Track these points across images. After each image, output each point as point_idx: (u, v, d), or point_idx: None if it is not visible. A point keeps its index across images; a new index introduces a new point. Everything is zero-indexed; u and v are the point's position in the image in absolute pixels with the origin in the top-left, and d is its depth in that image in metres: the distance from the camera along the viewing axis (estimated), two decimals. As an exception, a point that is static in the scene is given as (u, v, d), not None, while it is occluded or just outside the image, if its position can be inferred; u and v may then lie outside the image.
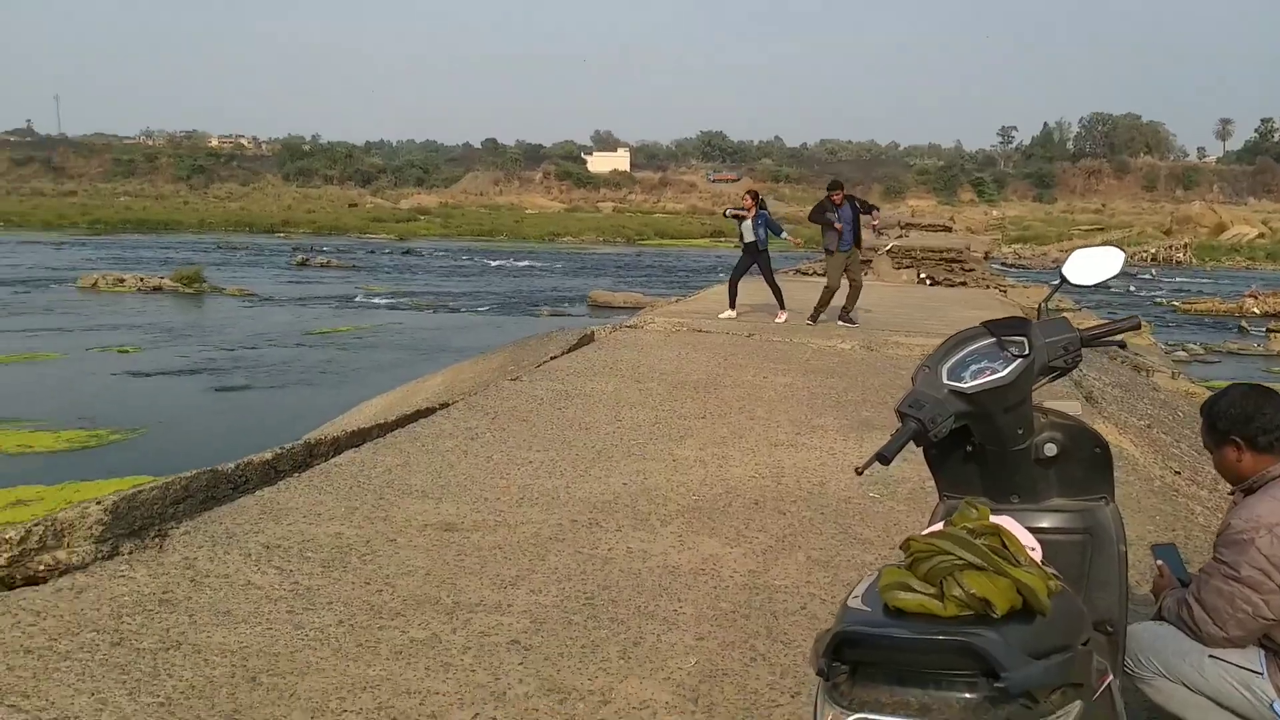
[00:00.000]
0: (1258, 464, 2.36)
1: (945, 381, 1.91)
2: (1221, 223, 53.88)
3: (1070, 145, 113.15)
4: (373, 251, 43.83)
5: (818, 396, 7.13)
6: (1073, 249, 2.35)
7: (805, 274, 19.64)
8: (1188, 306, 25.17)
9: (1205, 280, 35.29)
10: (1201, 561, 2.45)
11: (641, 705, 2.69)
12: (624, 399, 6.83)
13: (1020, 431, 1.94)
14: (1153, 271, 38.13)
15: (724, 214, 12.29)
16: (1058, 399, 2.12)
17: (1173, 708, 2.40)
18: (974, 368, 1.93)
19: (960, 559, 1.45)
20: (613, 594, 3.43)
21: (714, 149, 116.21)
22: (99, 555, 3.88)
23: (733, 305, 11.57)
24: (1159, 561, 2.64)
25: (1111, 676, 1.65)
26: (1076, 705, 1.43)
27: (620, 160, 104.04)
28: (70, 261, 33.43)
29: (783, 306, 11.43)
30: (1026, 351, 1.91)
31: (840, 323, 11.24)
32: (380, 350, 17.04)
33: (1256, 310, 23.27)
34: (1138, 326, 2.24)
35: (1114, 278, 2.23)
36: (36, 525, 3.88)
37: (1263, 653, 2.31)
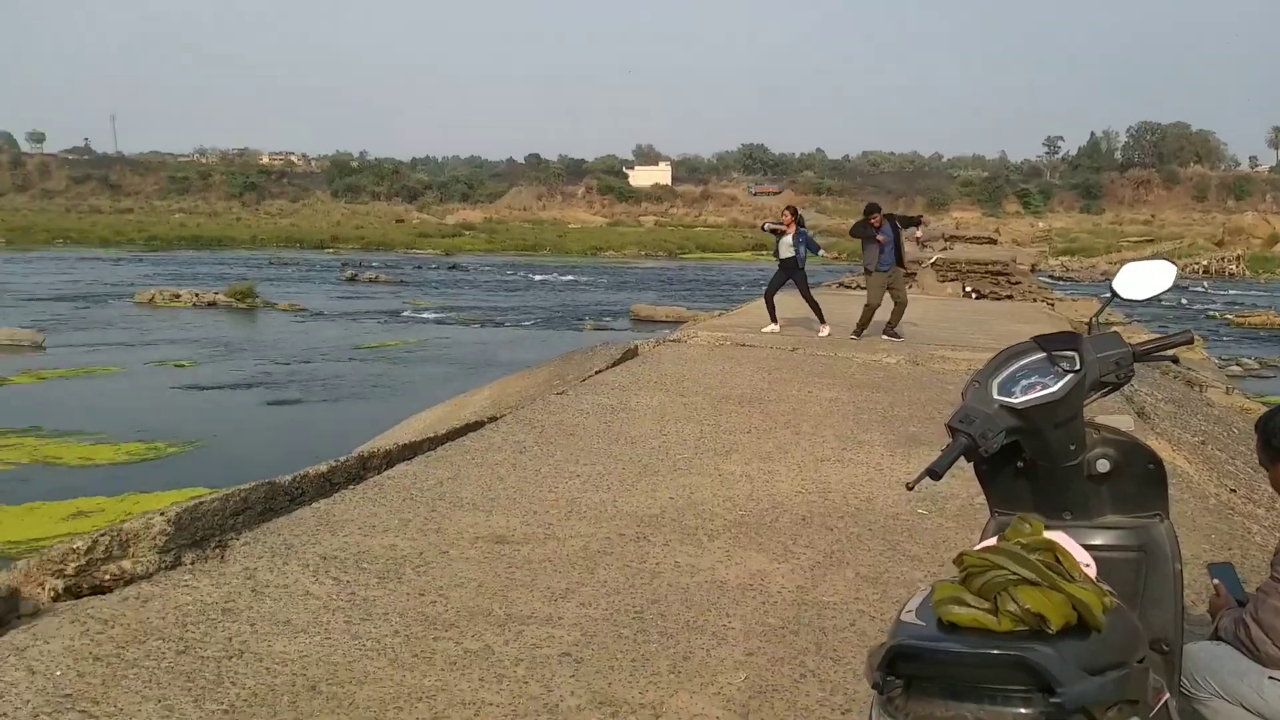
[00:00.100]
0: (1315, 481, 2.33)
1: (996, 397, 1.91)
2: (1275, 234, 52.69)
3: (1118, 155, 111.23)
4: (419, 266, 44.37)
5: (864, 411, 7.11)
6: (1122, 261, 2.36)
7: (848, 287, 19.54)
8: (1241, 320, 24.66)
9: (1259, 293, 34.53)
10: (1259, 580, 2.42)
11: (692, 719, 2.72)
12: (669, 413, 6.86)
13: (1072, 447, 1.94)
14: (1205, 284, 37.39)
15: (762, 228, 12.31)
16: (1109, 414, 2.11)
17: (1230, 729, 2.37)
18: (1024, 383, 1.93)
19: (1015, 574, 1.47)
20: (662, 608, 3.47)
21: (755, 162, 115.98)
22: (162, 565, 4.01)
23: (774, 319, 11.58)
24: (1215, 581, 2.61)
25: (1168, 694, 1.65)
26: None
27: (662, 174, 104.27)
28: (127, 277, 34.27)
29: (823, 321, 11.41)
30: (1078, 367, 1.91)
31: (885, 337, 11.19)
32: (428, 364, 17.25)
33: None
34: (1190, 341, 2.23)
35: (1166, 292, 2.22)
36: (103, 536, 4.01)
37: (1323, 673, 2.28)
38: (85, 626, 3.13)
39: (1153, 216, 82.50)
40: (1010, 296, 19.34)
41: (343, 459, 5.39)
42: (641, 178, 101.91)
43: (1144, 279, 2.20)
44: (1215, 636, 2.48)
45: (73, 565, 3.93)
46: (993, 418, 1.85)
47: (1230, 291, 34.70)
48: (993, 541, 1.69)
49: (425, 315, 25.17)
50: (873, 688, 1.46)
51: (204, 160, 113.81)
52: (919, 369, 9.22)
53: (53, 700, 2.67)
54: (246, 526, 4.32)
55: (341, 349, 18.72)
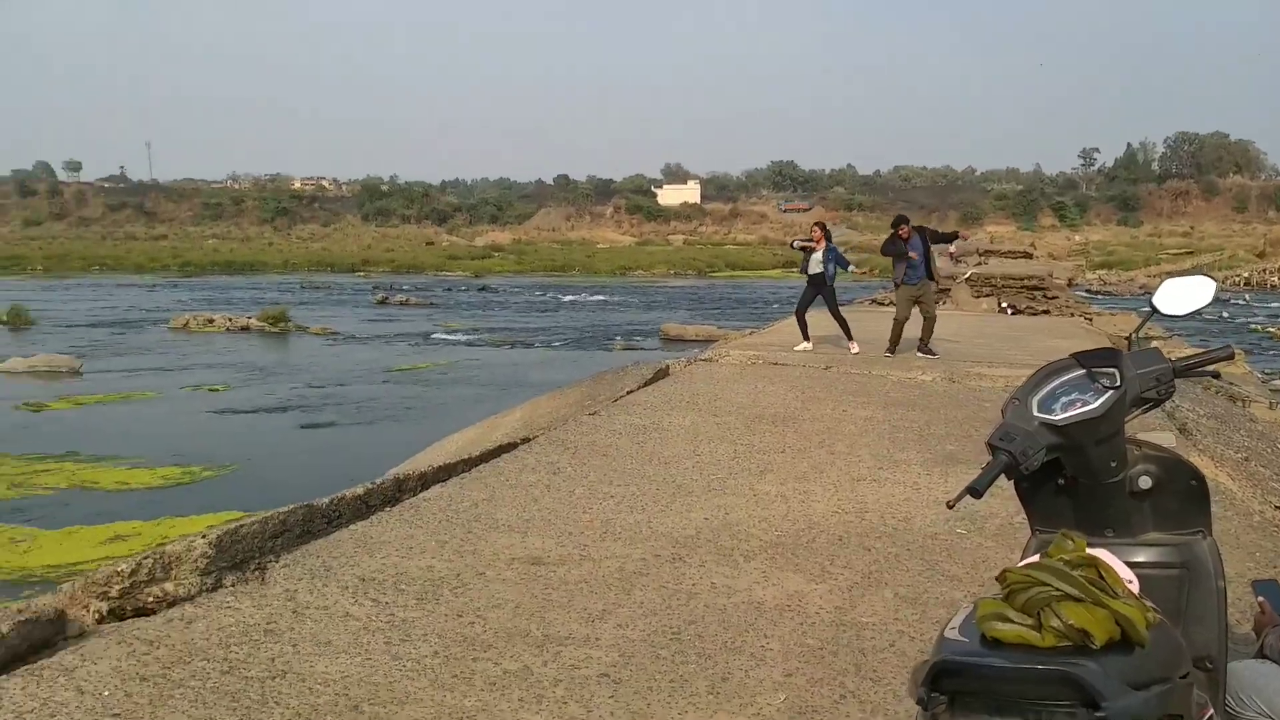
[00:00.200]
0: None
1: (1036, 414, 1.91)
2: (1319, 244, 51.80)
3: (1155, 166, 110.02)
4: (449, 289, 44.72)
5: (899, 430, 7.07)
6: (1161, 274, 2.35)
7: (881, 304, 19.47)
8: (1284, 332, 24.24)
9: (1303, 305, 33.94)
10: (1307, 598, 2.38)
11: (732, 739, 2.71)
12: (702, 433, 6.86)
13: (1113, 464, 1.93)
14: (1246, 297, 36.79)
15: (791, 245, 12.26)
16: (1151, 431, 2.10)
17: (1279, 748, 2.33)
18: (1064, 400, 1.93)
19: (1058, 590, 1.46)
20: (699, 629, 3.46)
21: (785, 179, 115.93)
22: (204, 587, 4.06)
23: (806, 337, 11.54)
24: (1260, 598, 2.57)
25: (1212, 710, 1.63)
26: None
27: (690, 193, 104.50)
28: (162, 303, 34.82)
29: (850, 337, 11.36)
30: (1118, 383, 1.90)
31: (919, 354, 11.09)
32: (459, 386, 17.36)
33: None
34: (1231, 356, 2.21)
35: (1206, 307, 2.21)
36: (146, 558, 4.07)
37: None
38: (131, 647, 3.18)
39: (1192, 228, 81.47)
40: (1047, 312, 19.18)
41: (379, 481, 5.43)
42: (670, 197, 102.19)
43: (1184, 294, 2.19)
44: (1261, 655, 2.44)
45: (116, 587, 3.99)
46: (1033, 435, 1.85)
47: (1272, 304, 34.10)
48: (1035, 559, 1.68)
49: (456, 337, 25.35)
50: (917, 703, 1.46)
51: (237, 186, 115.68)
52: (955, 386, 9.16)
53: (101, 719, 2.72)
54: (285, 549, 4.37)
55: (373, 372, 18.89)
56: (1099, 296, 34.92)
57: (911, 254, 10.99)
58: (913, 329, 11.24)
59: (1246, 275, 42.95)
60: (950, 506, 1.90)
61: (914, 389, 9.00)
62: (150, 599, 4.04)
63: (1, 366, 18.16)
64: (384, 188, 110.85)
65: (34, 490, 10.07)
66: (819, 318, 12.00)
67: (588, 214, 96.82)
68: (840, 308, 11.92)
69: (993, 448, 1.86)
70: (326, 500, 4.87)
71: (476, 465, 5.96)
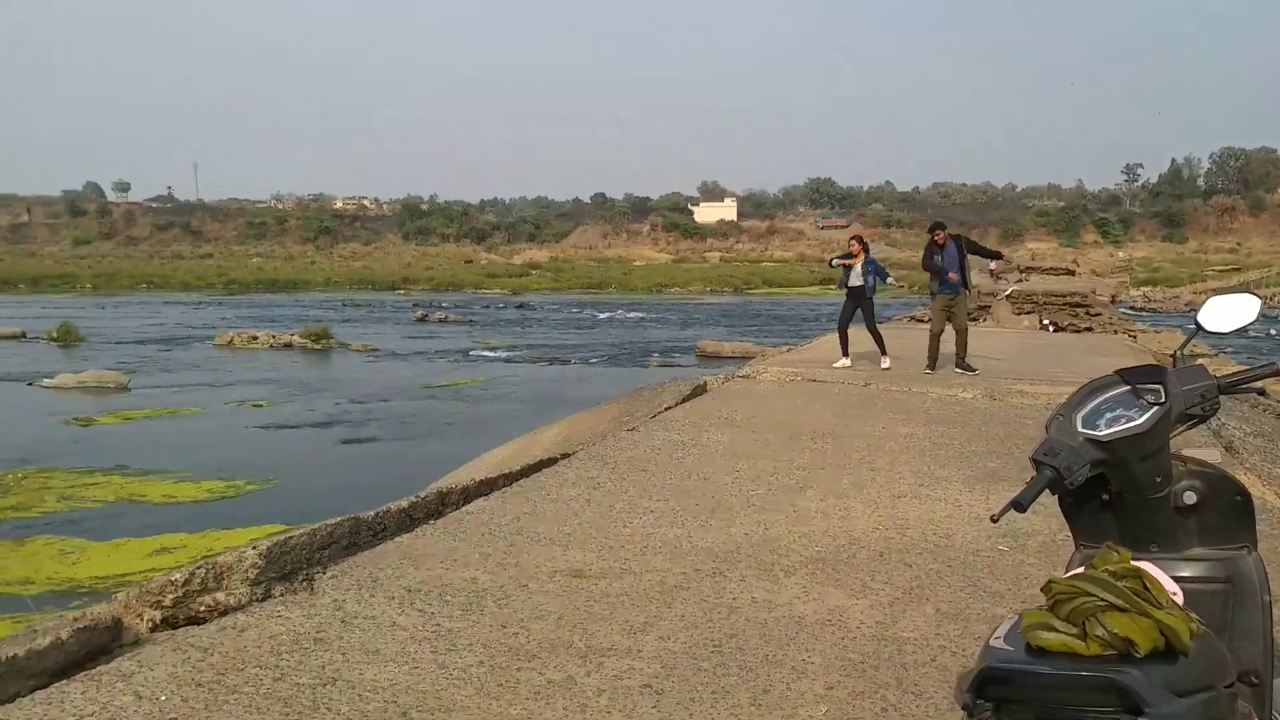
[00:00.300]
0: None
1: (1080, 430, 1.92)
2: (1369, 260, 50.69)
3: (1201, 182, 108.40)
4: (488, 306, 45.13)
5: (940, 447, 7.04)
6: (1208, 291, 2.35)
7: (920, 320, 19.35)
8: (1334, 350, 23.75)
9: (1353, 322, 33.20)
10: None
11: (774, 751, 2.73)
12: (740, 449, 6.88)
13: (1158, 479, 1.94)
14: (1294, 313, 36.08)
15: (829, 263, 12.17)
16: (1196, 448, 2.11)
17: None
18: (1109, 416, 1.94)
19: (1103, 600, 1.48)
20: (740, 642, 3.48)
21: (822, 195, 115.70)
22: (254, 597, 4.15)
23: (846, 353, 11.50)
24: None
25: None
26: None
27: (727, 210, 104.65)
28: (208, 320, 35.49)
29: (884, 353, 11.30)
30: (1163, 399, 1.91)
31: (957, 370, 10.98)
32: (497, 402, 17.50)
33: None
34: (1277, 373, 2.21)
35: (1251, 324, 2.21)
36: (199, 568, 4.18)
37: None
38: (186, 654, 3.27)
39: (1238, 245, 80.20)
40: (1089, 329, 18.94)
41: (422, 495, 5.52)
42: (706, 214, 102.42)
43: (1229, 311, 2.19)
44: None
45: (170, 597, 4.10)
46: (1077, 450, 1.87)
47: (1320, 321, 33.44)
48: (1080, 571, 1.70)
49: (494, 354, 25.57)
50: (962, 709, 1.48)
51: (281, 206, 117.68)
52: (996, 404, 9.09)
53: (159, 724, 2.80)
54: (333, 560, 4.46)
55: (413, 388, 19.11)
56: (1143, 314, 34.41)
57: (952, 275, 10.86)
58: (950, 345, 11.16)
59: (1295, 292, 42.12)
60: (994, 520, 1.92)
61: (954, 406, 8.94)
62: (202, 608, 4.14)
63: (52, 382, 18.62)
64: (424, 207, 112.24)
65: (83, 503, 10.30)
66: (858, 335, 11.97)
67: (624, 232, 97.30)
68: (879, 325, 11.87)
69: (1037, 463, 1.87)
70: (372, 513, 4.96)
71: (517, 480, 6.02)
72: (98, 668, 3.25)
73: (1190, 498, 1.99)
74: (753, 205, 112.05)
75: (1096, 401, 1.98)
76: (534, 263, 76.75)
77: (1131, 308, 36.33)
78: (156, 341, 27.85)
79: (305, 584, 4.14)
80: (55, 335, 27.26)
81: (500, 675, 3.16)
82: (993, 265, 12.23)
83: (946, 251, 10.91)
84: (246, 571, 4.24)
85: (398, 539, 4.66)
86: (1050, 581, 1.59)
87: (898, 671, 3.26)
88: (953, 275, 10.86)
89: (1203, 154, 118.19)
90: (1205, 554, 2.01)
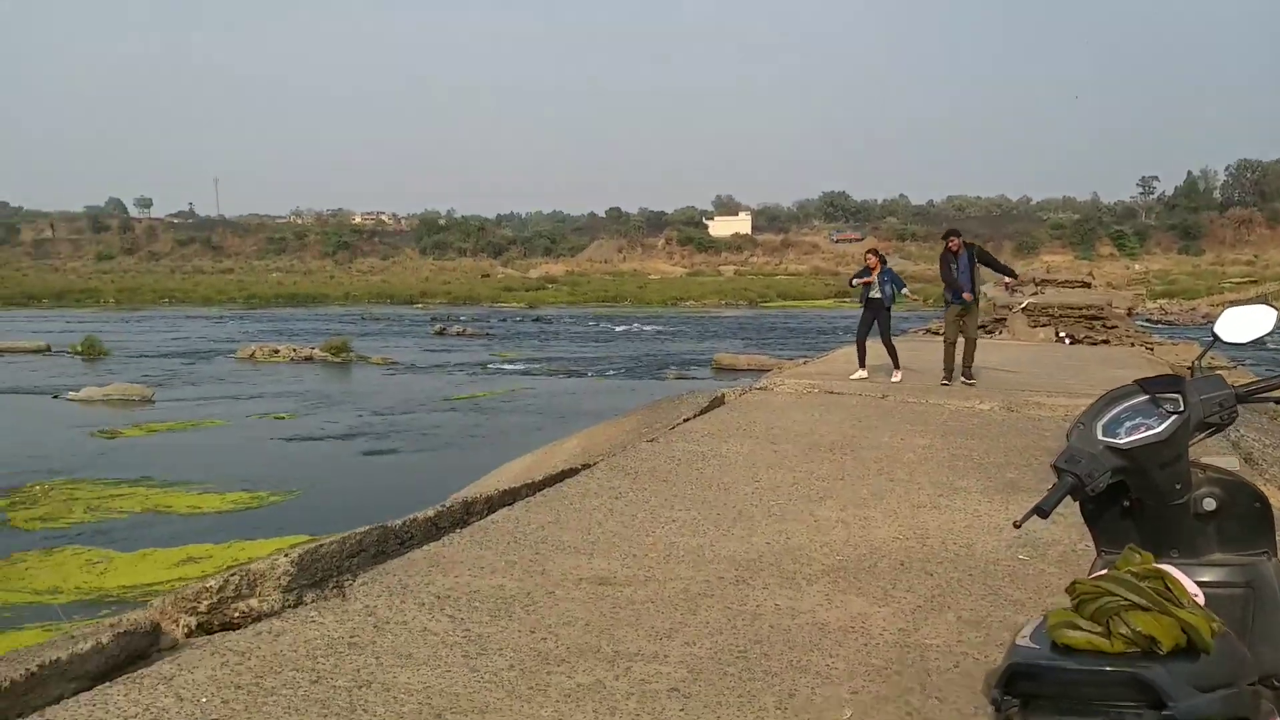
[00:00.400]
0: None
1: (1100, 438, 1.97)
2: (1390, 272, 50.27)
3: (1217, 194, 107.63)
4: (505, 319, 45.33)
5: (959, 458, 7.07)
6: (1224, 303, 2.40)
7: (935, 333, 19.34)
8: (1355, 362, 23.57)
9: (1373, 334, 32.92)
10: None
11: (801, 754, 2.79)
12: (759, 460, 6.94)
13: (1178, 486, 1.98)
14: (1314, 325, 35.76)
15: (850, 283, 12.13)
16: (1214, 456, 2.16)
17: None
18: (1129, 424, 1.99)
19: (1126, 599, 1.54)
20: (764, 648, 3.54)
21: (836, 209, 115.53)
22: (286, 604, 4.24)
23: (863, 365, 11.53)
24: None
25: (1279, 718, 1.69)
26: None
27: (741, 224, 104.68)
28: (229, 334, 35.80)
29: (896, 366, 11.32)
30: (1181, 408, 1.96)
31: (962, 380, 10.99)
32: (516, 414, 17.61)
33: None
34: (1295, 383, 2.26)
35: (1269, 334, 2.26)
36: (233, 575, 4.27)
37: None
38: (224, 658, 3.35)
39: (1256, 257, 79.56)
40: (1106, 341, 18.90)
41: (447, 504, 5.60)
42: (721, 228, 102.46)
43: (1245, 322, 2.24)
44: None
45: (205, 603, 4.19)
46: (1098, 458, 1.92)
47: (1340, 333, 33.16)
48: (1103, 573, 1.75)
49: (512, 366, 25.71)
50: (990, 704, 1.54)
51: (300, 221, 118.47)
52: (1013, 415, 9.11)
53: (202, 724, 2.88)
54: (362, 568, 4.55)
55: (433, 400, 19.24)
56: (1160, 326, 34.25)
57: (966, 295, 10.89)
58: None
59: (1314, 304, 41.82)
60: (1017, 526, 1.98)
61: (972, 418, 8.97)
62: (236, 614, 4.23)
63: (77, 395, 18.85)
64: (441, 222, 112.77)
65: (109, 514, 10.45)
66: (875, 347, 12.00)
67: (639, 245, 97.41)
68: (894, 337, 11.89)
69: (1059, 470, 1.93)
70: (399, 522, 5.05)
71: (540, 489, 6.10)
72: (139, 671, 3.34)
73: (1210, 504, 2.03)
74: (767, 219, 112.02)
75: (1116, 410, 2.03)
76: (550, 277, 77.00)
77: (1148, 320, 36.15)
78: (179, 355, 28.13)
79: (336, 590, 4.23)
80: (80, 349, 27.58)
81: (531, 679, 3.23)
82: (1008, 280, 12.25)
83: (959, 259, 10.95)
84: (279, 578, 4.33)
85: (425, 547, 4.74)
86: (1075, 582, 1.65)
87: (921, 677, 3.31)
88: (967, 295, 10.90)
89: (1219, 166, 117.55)
90: (1225, 559, 2.04)
